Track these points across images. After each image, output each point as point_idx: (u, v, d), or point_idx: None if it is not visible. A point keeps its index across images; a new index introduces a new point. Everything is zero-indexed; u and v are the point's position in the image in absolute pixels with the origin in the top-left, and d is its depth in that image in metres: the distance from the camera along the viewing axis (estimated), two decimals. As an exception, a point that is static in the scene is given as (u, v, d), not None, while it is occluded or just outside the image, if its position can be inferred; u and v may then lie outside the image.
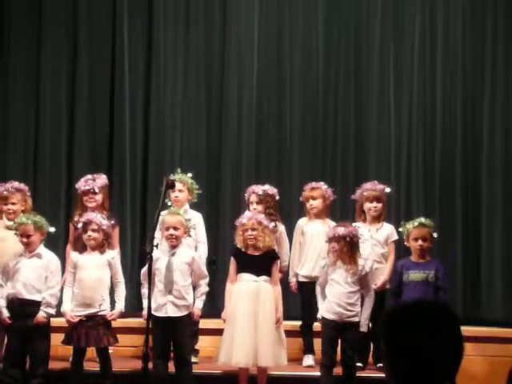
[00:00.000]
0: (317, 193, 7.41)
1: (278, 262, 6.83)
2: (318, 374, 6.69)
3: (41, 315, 6.51)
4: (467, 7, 8.81)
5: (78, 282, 6.56)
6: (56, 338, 6.64)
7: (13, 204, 7.22)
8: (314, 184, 7.51)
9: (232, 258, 6.77)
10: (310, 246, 7.41)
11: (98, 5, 9.00)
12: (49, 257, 6.67)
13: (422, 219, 7.10)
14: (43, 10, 8.96)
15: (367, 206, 7.36)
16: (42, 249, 6.68)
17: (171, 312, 6.45)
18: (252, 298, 6.55)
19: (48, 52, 8.92)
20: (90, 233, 6.58)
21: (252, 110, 8.92)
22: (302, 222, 7.52)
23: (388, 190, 7.52)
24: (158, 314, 6.38)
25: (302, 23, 8.96)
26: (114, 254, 6.70)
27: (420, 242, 6.96)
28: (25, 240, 6.62)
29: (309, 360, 7.32)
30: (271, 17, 9.01)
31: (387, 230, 7.39)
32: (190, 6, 9.04)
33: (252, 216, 6.76)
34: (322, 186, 7.47)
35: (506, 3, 8.74)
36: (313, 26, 8.96)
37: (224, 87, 8.97)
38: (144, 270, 6.30)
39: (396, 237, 7.35)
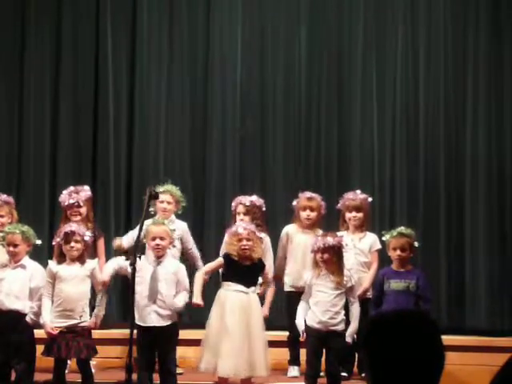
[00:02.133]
0: (315, 203, 7.42)
1: (266, 268, 6.85)
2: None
3: (28, 318, 6.50)
4: (448, 11, 8.85)
5: (58, 294, 6.48)
6: (38, 350, 6.60)
7: (1, 217, 7.19)
8: (310, 194, 7.50)
9: (221, 258, 6.72)
10: (297, 255, 7.40)
11: (81, 3, 8.97)
12: (33, 267, 6.64)
13: (402, 229, 7.09)
14: (26, 9, 8.92)
15: (347, 215, 7.38)
16: (26, 260, 6.64)
17: (156, 322, 6.44)
18: (245, 311, 6.54)
19: (32, 56, 8.88)
20: (72, 244, 6.50)
21: (236, 119, 8.93)
22: (291, 230, 7.51)
23: (370, 199, 7.53)
24: (142, 323, 6.37)
25: (284, 29, 8.97)
26: (94, 265, 6.62)
27: (398, 251, 6.94)
28: (11, 249, 6.58)
29: (294, 371, 7.32)
30: (253, 23, 9.01)
31: (370, 239, 7.41)
32: (173, 7, 9.04)
33: (246, 226, 6.76)
34: (318, 197, 7.48)
35: (487, 7, 8.79)
36: (295, 33, 8.97)
37: (208, 96, 8.97)
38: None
39: (379, 246, 7.36)
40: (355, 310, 6.67)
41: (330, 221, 7.66)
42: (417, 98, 8.84)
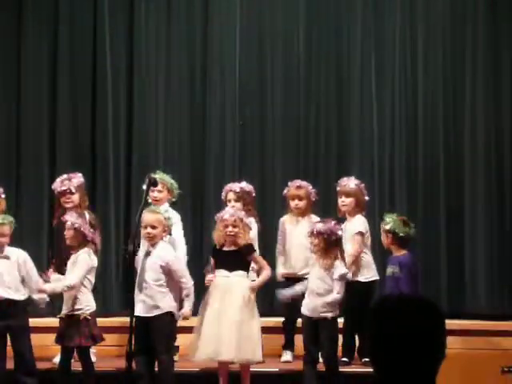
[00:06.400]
0: (303, 192, 7.43)
1: (255, 253, 6.83)
2: (298, 369, 6.73)
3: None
4: (447, 11, 8.84)
5: None
6: (46, 339, 6.64)
7: None
8: (299, 182, 7.51)
9: (211, 258, 6.82)
10: (292, 242, 7.43)
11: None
12: (17, 254, 6.66)
13: (385, 214, 7.11)
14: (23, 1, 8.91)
15: (338, 201, 7.40)
16: (7, 249, 6.67)
17: (142, 311, 6.43)
18: (225, 295, 6.58)
19: (29, 50, 8.86)
20: (65, 231, 6.57)
21: (235, 109, 8.91)
22: (286, 220, 7.54)
23: (362, 185, 7.49)
24: (135, 313, 6.31)
25: (283, 24, 8.95)
26: (79, 253, 6.54)
27: (382, 235, 7.01)
28: (2, 240, 6.59)
29: (287, 356, 7.36)
30: (252, 17, 8.99)
31: (355, 223, 7.37)
32: (171, 6, 9.02)
33: (234, 213, 6.79)
34: (308, 185, 7.48)
35: (485, 2, 8.79)
36: (294, 27, 8.95)
37: (207, 86, 8.95)
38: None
39: (359, 229, 7.33)
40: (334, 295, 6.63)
41: (330, 207, 7.67)
42: (415, 87, 8.82)
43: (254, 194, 7.46)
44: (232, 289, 6.63)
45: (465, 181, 8.70)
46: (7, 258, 6.62)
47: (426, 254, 8.22)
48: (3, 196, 7.29)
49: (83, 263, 6.48)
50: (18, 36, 8.86)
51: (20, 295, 6.60)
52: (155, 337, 6.42)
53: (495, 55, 8.74)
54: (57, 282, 6.50)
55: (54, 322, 6.69)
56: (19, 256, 6.66)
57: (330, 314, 6.56)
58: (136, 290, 6.39)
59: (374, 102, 8.82)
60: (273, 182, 8.73)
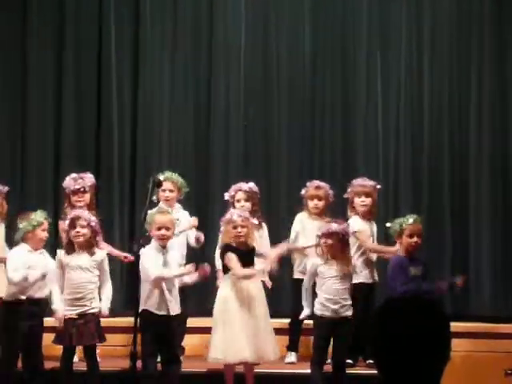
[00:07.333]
0: (322, 192, 7.42)
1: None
2: (303, 371, 6.73)
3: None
4: (453, 12, 8.83)
5: (67, 283, 6.48)
6: (46, 338, 6.63)
7: None
8: (318, 183, 7.50)
9: (230, 253, 6.60)
10: (307, 243, 7.40)
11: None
12: (46, 253, 6.72)
13: (415, 216, 7.06)
14: (28, 2, 8.91)
15: (356, 200, 7.37)
16: None
17: (172, 311, 6.45)
18: (251, 296, 6.59)
19: (34, 48, 8.87)
20: (78, 228, 6.46)
21: (240, 108, 8.92)
22: (303, 217, 7.50)
23: (378, 186, 7.53)
24: (158, 312, 6.36)
25: (289, 24, 8.96)
26: (103, 256, 6.57)
27: (415, 238, 6.86)
28: (47, 235, 6.63)
29: (291, 357, 7.35)
30: (258, 18, 9.01)
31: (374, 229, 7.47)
32: (177, 5, 9.03)
33: (241, 213, 6.78)
34: (326, 186, 7.48)
35: (492, 9, 8.77)
36: (300, 27, 8.95)
37: (212, 86, 8.96)
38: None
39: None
40: None
41: (334, 207, 7.66)
42: (421, 87, 8.82)
43: (259, 195, 7.46)
44: (256, 290, 6.64)
45: (470, 181, 8.70)
46: (43, 254, 6.66)
47: (430, 255, 8.19)
48: (4, 194, 7.25)
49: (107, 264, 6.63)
50: (22, 36, 8.87)
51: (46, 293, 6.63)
52: (176, 336, 6.53)
53: (501, 55, 8.74)
54: (105, 297, 6.53)
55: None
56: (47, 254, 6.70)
57: (349, 313, 6.57)
58: (165, 290, 6.38)
59: (380, 101, 8.82)
60: (277, 180, 8.73)
